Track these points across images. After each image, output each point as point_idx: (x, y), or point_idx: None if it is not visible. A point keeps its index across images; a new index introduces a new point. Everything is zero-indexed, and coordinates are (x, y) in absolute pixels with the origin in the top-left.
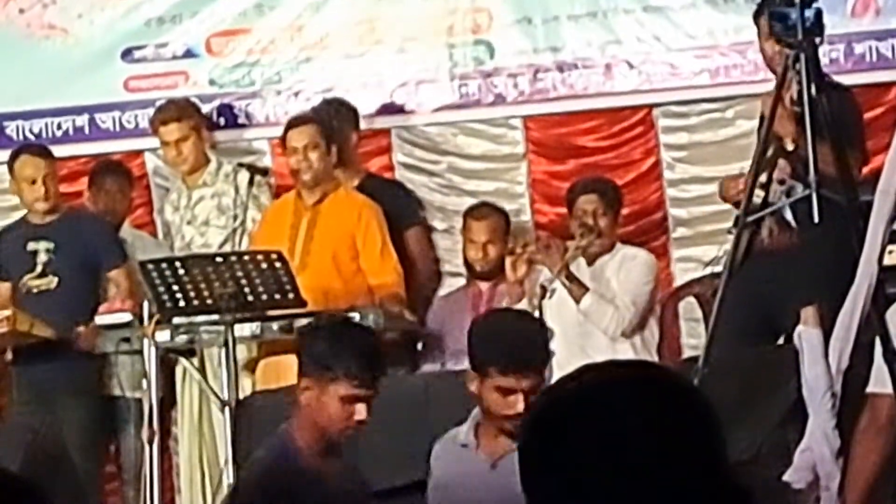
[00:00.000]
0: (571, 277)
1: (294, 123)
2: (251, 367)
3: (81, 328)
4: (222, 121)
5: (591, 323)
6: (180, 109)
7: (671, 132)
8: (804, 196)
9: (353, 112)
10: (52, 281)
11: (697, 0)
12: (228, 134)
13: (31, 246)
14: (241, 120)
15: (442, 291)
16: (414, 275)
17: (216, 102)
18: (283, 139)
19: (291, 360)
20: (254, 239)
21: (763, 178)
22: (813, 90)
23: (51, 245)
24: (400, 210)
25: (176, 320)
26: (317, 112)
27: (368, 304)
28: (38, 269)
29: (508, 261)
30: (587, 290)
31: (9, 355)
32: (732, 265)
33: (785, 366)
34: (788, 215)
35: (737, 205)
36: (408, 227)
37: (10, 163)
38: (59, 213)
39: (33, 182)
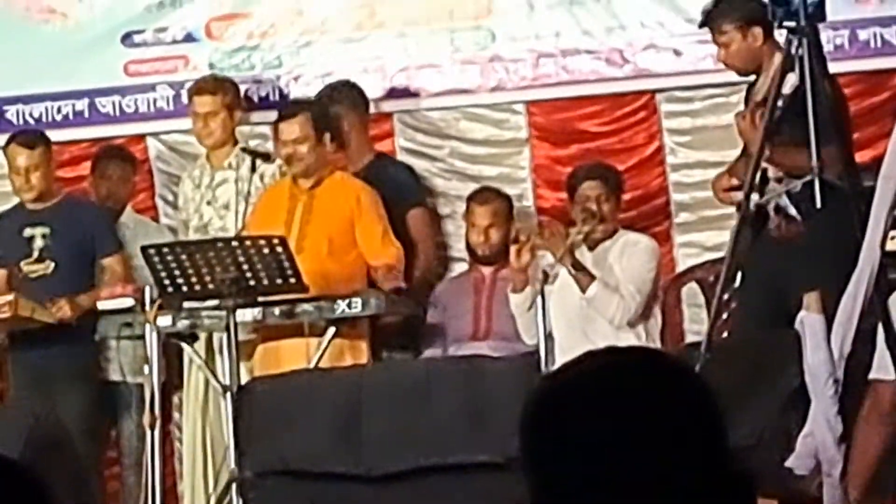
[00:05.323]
0: (578, 266)
1: (284, 116)
2: (249, 352)
3: (63, 301)
4: None
5: (597, 312)
6: (217, 84)
7: (674, 117)
8: (807, 182)
9: (360, 93)
10: (48, 266)
11: None
12: None
13: (28, 231)
14: (244, 105)
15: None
16: (415, 257)
17: None
18: (274, 128)
19: (291, 346)
20: (248, 223)
21: (757, 178)
22: (808, 82)
23: (47, 230)
24: (403, 191)
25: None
26: (318, 97)
27: (369, 289)
28: (35, 254)
29: (513, 249)
30: (594, 278)
31: (4, 340)
32: (734, 252)
33: (787, 351)
34: (792, 211)
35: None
36: (410, 208)
37: (4, 149)
38: (56, 199)
39: (20, 172)
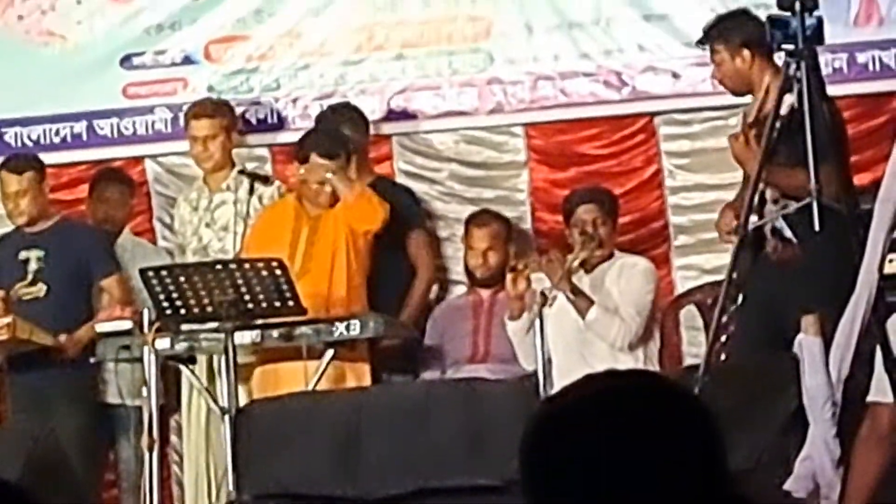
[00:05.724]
0: (577, 291)
1: (332, 155)
2: (247, 374)
3: (63, 337)
4: None
5: (597, 336)
6: (215, 107)
7: (672, 140)
8: (804, 205)
9: (361, 115)
10: (41, 289)
11: (699, 8)
12: None
13: (23, 254)
14: (240, 127)
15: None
16: (415, 279)
17: None
18: (304, 155)
19: (290, 368)
20: (248, 241)
21: (756, 199)
22: (805, 103)
23: (41, 253)
24: (403, 214)
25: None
26: (319, 119)
27: (368, 312)
28: (29, 277)
29: (509, 277)
30: (592, 303)
31: (2, 362)
32: (731, 275)
33: (785, 374)
34: (788, 233)
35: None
36: (410, 230)
37: None
38: (51, 222)
39: (10, 197)
